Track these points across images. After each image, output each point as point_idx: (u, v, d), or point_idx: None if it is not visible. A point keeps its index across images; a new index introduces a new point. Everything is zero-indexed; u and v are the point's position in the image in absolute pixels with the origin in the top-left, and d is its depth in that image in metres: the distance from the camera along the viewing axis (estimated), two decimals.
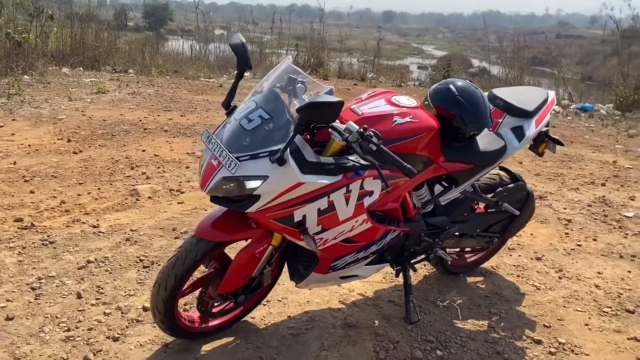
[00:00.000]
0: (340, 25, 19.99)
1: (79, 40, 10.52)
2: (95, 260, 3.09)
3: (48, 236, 3.36)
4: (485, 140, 2.63)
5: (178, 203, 4.11)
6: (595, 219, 4.28)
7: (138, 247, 3.31)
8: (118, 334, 2.41)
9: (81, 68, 10.22)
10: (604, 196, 4.84)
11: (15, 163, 4.67)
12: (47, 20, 9.66)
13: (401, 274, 2.66)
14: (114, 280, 2.89)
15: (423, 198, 2.60)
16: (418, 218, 2.55)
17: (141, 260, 3.13)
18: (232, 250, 2.31)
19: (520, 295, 2.98)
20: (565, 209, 4.46)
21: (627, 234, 4.00)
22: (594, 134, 7.92)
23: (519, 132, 2.72)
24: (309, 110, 1.84)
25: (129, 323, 2.51)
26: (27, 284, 2.79)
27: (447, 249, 2.90)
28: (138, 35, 16.86)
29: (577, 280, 3.20)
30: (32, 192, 4.08)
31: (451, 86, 2.53)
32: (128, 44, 13.17)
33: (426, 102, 2.55)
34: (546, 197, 4.70)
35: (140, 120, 6.58)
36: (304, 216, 2.07)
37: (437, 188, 2.66)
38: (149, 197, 4.16)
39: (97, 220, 3.66)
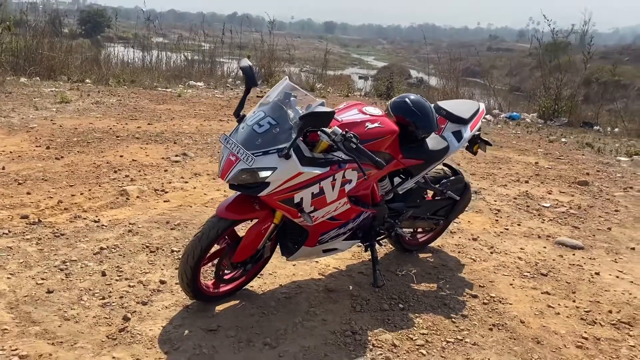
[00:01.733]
0: (282, 35, 20.68)
1: (34, 50, 10.69)
2: (107, 247, 3.60)
3: (57, 229, 3.82)
4: (433, 142, 3.37)
5: (164, 201, 4.64)
6: (519, 208, 5.14)
7: (140, 236, 3.83)
8: (145, 300, 2.97)
9: (38, 78, 10.40)
10: (527, 191, 5.74)
11: (4, 168, 5.04)
12: (4, 31, 9.81)
13: (369, 249, 3.35)
14: (129, 262, 3.42)
15: (385, 188, 3.30)
16: (382, 203, 3.24)
17: (147, 247, 3.66)
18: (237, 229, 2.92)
19: (461, 266, 3.73)
20: (495, 201, 5.30)
21: (544, 220, 4.87)
22: (520, 139, 8.97)
23: (458, 135, 3.48)
24: (310, 117, 2.50)
25: (151, 292, 3.07)
26: (55, 267, 3.28)
27: (404, 229, 3.61)
28: (74, 42, 16.69)
29: (505, 254, 3.99)
30: (28, 193, 4.50)
31: (407, 99, 3.25)
32: (79, 53, 13.36)
33: (386, 112, 3.26)
34: (480, 192, 5.54)
35: (111, 129, 7.00)
36: (302, 198, 2.71)
37: (396, 180, 3.37)
38: (137, 197, 4.66)
39: (97, 216, 4.14)
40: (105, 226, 3.98)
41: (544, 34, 15.80)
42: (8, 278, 3.09)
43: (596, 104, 12.75)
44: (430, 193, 3.77)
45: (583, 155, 8.07)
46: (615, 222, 4.96)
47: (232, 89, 12.35)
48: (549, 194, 5.74)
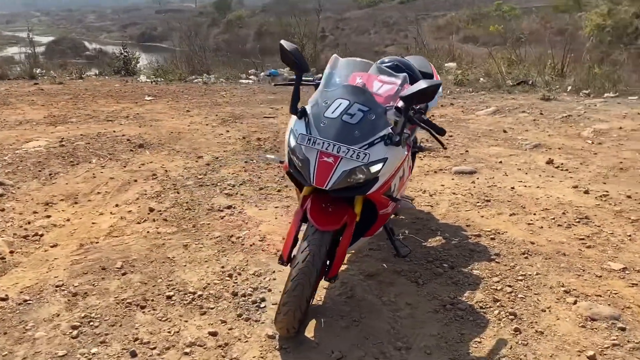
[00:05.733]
0: None
1: None
2: (80, 324, 2.64)
3: None
4: None
5: (52, 247, 3.55)
6: None
7: (98, 296, 2.90)
8: None
9: None
10: None
11: None
12: None
13: None
14: (136, 329, 2.60)
15: None
16: None
17: (129, 304, 2.81)
18: None
19: (428, 215, 3.92)
20: None
21: (420, 157, 5.38)
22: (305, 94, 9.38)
23: None
24: (417, 95, 2.28)
25: (219, 352, 2.42)
26: None
27: None
28: None
29: (440, 194, 4.32)
30: None
31: (396, 62, 3.18)
32: None
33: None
34: None
35: None
36: (394, 185, 2.49)
37: None
38: (11, 252, 3.45)
39: None
40: (30, 301, 2.87)
41: None
42: None
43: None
44: None
45: None
46: (462, 145, 5.78)
47: None
48: None
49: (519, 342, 2.45)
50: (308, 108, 2.44)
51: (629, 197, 4.15)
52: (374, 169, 2.28)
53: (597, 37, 17.11)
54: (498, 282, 2.96)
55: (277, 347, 2.44)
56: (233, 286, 2.98)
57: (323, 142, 2.26)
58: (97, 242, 3.59)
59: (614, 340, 2.44)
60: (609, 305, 2.71)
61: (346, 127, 2.29)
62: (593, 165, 4.97)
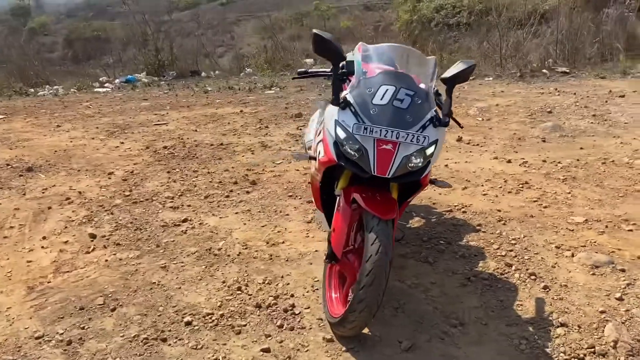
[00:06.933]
0: None
1: None
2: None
3: None
4: None
5: (9, 289, 2.96)
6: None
7: (95, 340, 2.48)
8: None
9: None
10: (288, 132, 6.10)
11: None
12: None
13: None
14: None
15: None
16: None
17: (145, 342, 2.44)
18: None
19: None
20: (284, 148, 5.50)
21: None
22: (180, 97, 8.91)
23: None
24: (457, 77, 2.34)
25: None
26: None
27: None
28: None
29: None
30: None
31: (388, 47, 3.17)
32: None
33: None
34: (276, 145, 5.59)
35: None
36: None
37: None
38: None
39: None
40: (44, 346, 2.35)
41: None
42: None
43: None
44: None
45: (262, 95, 8.73)
46: None
47: None
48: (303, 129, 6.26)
49: (555, 298, 2.64)
50: (350, 97, 2.33)
51: (544, 161, 4.68)
52: (429, 151, 2.27)
53: (406, 31, 18.75)
54: (498, 248, 3.15)
55: (344, 349, 2.32)
56: (250, 299, 2.75)
57: (380, 130, 2.20)
58: (48, 282, 3.05)
59: (624, 280, 2.75)
60: (597, 253, 3.04)
61: (398, 112, 2.25)
62: (495, 139, 5.49)
